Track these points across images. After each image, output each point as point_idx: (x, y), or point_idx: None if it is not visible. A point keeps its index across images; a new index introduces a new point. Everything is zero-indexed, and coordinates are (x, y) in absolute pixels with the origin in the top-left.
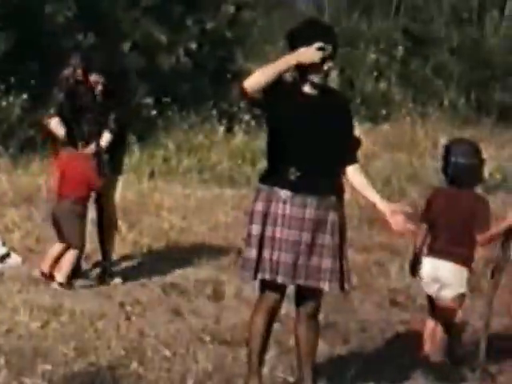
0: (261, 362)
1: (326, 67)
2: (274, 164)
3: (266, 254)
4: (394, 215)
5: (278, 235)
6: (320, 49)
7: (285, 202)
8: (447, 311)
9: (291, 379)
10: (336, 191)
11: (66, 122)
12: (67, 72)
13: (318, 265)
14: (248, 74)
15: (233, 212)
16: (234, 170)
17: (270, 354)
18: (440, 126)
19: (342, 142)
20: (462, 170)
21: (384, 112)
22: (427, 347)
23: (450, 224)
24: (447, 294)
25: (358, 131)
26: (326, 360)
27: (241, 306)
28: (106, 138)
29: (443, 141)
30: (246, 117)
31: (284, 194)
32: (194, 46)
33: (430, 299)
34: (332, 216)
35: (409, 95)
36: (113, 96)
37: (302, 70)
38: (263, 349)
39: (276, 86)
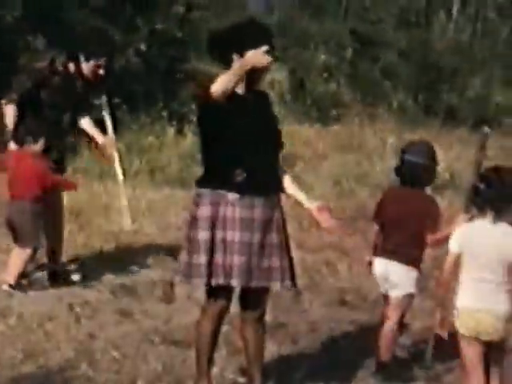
0: (210, 364)
1: (267, 70)
2: (216, 167)
3: (219, 258)
4: (322, 213)
5: (229, 238)
6: (267, 52)
7: (233, 205)
8: (395, 310)
9: (241, 380)
10: (277, 190)
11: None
12: (41, 64)
13: (269, 264)
14: (199, 74)
15: (184, 213)
16: (184, 171)
17: (220, 355)
18: (388, 127)
19: (278, 141)
20: (415, 169)
21: (334, 113)
22: (377, 346)
23: (400, 224)
24: (396, 294)
25: (308, 132)
26: (276, 360)
27: (192, 307)
28: (87, 122)
29: (391, 141)
30: None
31: (232, 196)
32: (144, 46)
33: (385, 298)
34: (277, 215)
35: (358, 96)
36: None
37: (248, 74)
38: (212, 350)
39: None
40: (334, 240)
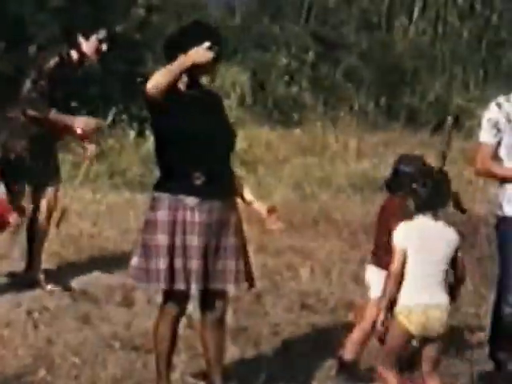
0: (169, 367)
1: (215, 68)
2: (173, 170)
3: (179, 263)
4: (270, 214)
5: (188, 243)
6: (210, 48)
7: (192, 210)
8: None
9: (202, 383)
10: (234, 192)
11: None
12: (53, 62)
13: (224, 267)
14: None
15: (144, 217)
16: (145, 175)
17: (181, 359)
18: (350, 130)
19: (233, 143)
20: (400, 176)
21: (295, 116)
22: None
23: (378, 230)
24: (372, 296)
25: (270, 135)
26: (237, 364)
27: (151, 311)
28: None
29: (353, 144)
30: None
31: (191, 201)
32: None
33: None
34: (234, 217)
35: (320, 99)
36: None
37: (192, 71)
38: (170, 354)
39: (169, 90)
40: (296, 243)
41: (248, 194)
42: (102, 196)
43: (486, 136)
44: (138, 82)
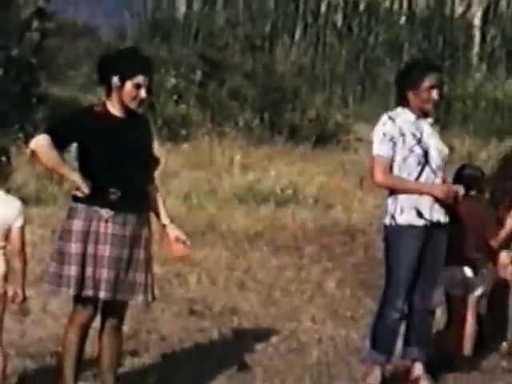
0: (76, 373)
1: (143, 95)
2: (92, 184)
3: (89, 271)
4: (177, 242)
5: (100, 253)
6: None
7: (107, 221)
8: None
9: None
10: (148, 209)
11: None
12: None
13: (134, 279)
14: (53, 97)
15: (40, 231)
16: (41, 191)
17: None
18: (236, 145)
19: (150, 162)
20: None
21: (184, 132)
22: None
23: None
24: None
25: (159, 151)
26: (128, 368)
27: (46, 319)
28: None
29: (238, 158)
30: None
31: (106, 212)
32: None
33: None
34: (145, 232)
35: (207, 116)
36: None
37: (120, 98)
38: (78, 360)
39: (86, 119)
40: None
41: (164, 216)
42: None
43: (383, 149)
44: (33, 103)
